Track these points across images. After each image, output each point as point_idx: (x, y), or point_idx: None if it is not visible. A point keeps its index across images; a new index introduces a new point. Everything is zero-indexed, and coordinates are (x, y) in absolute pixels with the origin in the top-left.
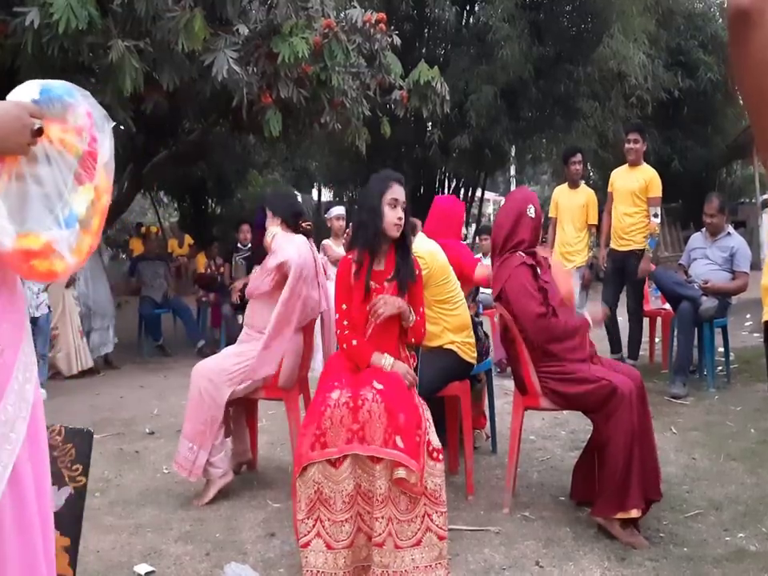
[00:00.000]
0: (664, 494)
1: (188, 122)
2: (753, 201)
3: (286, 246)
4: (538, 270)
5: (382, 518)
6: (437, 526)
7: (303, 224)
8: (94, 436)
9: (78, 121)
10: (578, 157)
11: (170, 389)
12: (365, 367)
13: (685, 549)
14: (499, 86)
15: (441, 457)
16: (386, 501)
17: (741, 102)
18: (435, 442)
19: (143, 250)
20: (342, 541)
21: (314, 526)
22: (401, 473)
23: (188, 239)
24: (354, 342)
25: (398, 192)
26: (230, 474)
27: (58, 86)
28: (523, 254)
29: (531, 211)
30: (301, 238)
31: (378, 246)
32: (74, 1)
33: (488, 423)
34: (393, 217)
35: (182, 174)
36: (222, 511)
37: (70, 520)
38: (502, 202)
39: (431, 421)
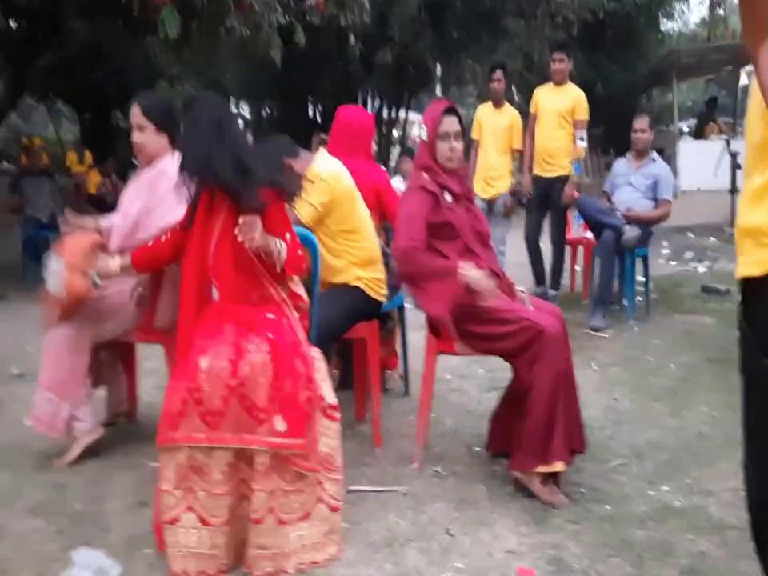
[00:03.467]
0: (585, 441)
1: (73, 20)
2: (670, 128)
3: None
4: (446, 198)
5: (262, 491)
6: (329, 495)
7: None
8: None
9: None
10: (499, 73)
11: None
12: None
13: (607, 506)
14: None
15: (336, 415)
16: (270, 471)
17: None
18: (330, 397)
19: (26, 164)
20: (221, 517)
21: (183, 497)
22: (285, 452)
23: (88, 155)
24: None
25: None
26: (100, 429)
27: None
28: (425, 176)
29: (424, 133)
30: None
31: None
32: None
33: (401, 363)
34: None
35: (78, 81)
36: (86, 474)
37: None
38: None
39: (326, 374)
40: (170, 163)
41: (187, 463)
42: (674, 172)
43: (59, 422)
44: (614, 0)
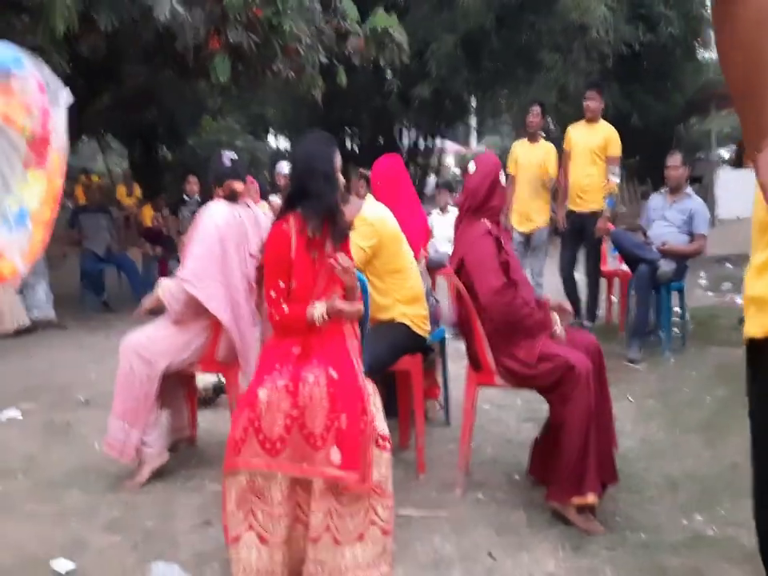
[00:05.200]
0: (621, 472)
1: (131, 66)
2: (709, 156)
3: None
4: (502, 241)
5: (319, 511)
6: (381, 519)
7: (226, 187)
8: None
9: (27, 95)
10: (537, 109)
11: (112, 350)
12: (304, 327)
13: (641, 535)
14: (460, 35)
15: (388, 445)
16: (326, 493)
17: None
18: (382, 428)
19: (84, 200)
20: (279, 536)
21: (245, 518)
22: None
23: (137, 189)
24: (285, 308)
25: (339, 158)
26: (166, 454)
27: (3, 52)
28: (488, 222)
29: (503, 178)
30: (216, 207)
31: (335, 216)
32: None
33: (442, 392)
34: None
35: (130, 118)
36: (155, 495)
37: None
38: (464, 154)
39: (379, 406)
40: None
41: (248, 486)
42: (712, 200)
43: (130, 448)
44: (649, 32)
